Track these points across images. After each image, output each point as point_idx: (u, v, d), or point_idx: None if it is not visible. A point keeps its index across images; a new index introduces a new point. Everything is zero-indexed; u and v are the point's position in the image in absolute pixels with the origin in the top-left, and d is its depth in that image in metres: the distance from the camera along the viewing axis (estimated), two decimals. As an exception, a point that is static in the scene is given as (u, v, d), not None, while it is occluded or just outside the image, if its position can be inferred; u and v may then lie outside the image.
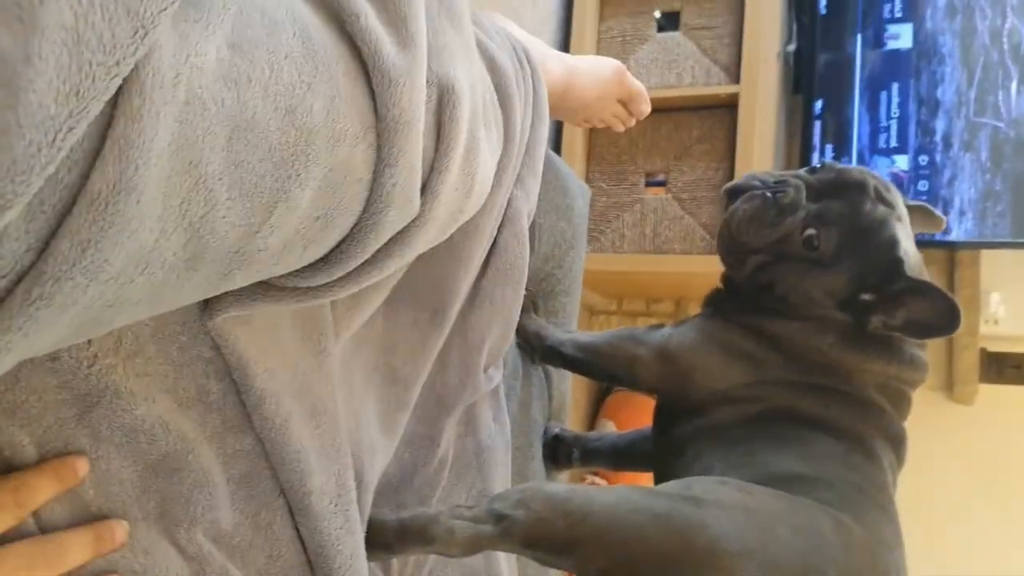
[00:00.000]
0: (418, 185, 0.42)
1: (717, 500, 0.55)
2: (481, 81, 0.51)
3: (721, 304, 0.74)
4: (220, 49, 0.31)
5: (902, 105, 1.57)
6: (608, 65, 0.90)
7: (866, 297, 0.65)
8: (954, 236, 1.52)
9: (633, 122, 0.96)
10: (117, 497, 0.40)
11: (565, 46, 1.67)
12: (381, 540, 0.55)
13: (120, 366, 0.40)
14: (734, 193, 0.71)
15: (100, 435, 0.39)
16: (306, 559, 0.50)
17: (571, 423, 0.93)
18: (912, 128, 1.56)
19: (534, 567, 0.74)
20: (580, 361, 0.78)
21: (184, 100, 0.29)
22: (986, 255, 1.65)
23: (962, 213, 1.52)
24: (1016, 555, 1.63)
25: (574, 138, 1.60)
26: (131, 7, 0.25)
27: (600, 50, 1.66)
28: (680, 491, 0.56)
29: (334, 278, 0.43)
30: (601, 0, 1.68)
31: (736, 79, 1.52)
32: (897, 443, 0.67)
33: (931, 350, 0.69)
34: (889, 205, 0.67)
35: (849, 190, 0.67)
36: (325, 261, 0.42)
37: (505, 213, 0.65)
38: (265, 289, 0.44)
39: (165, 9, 0.27)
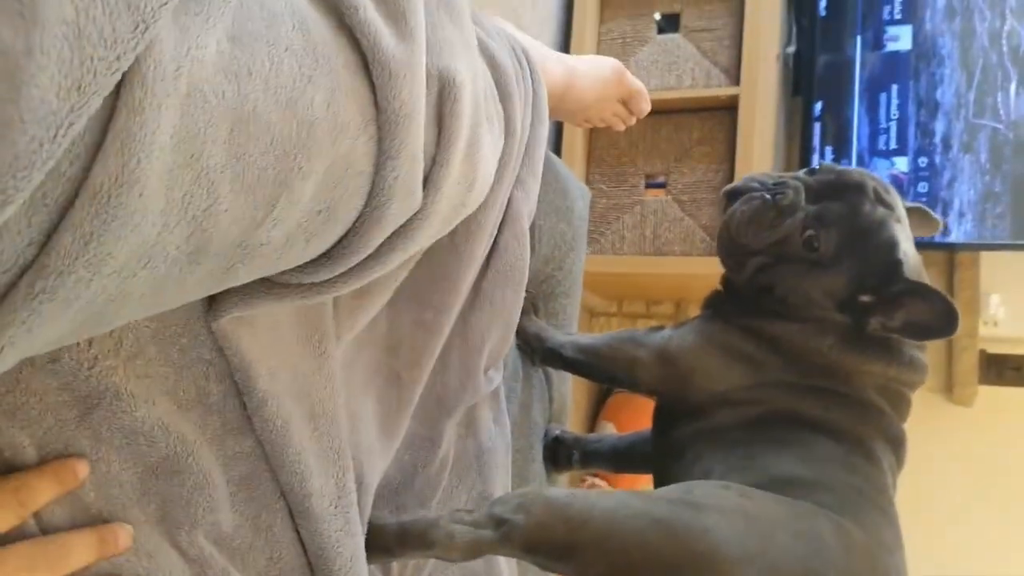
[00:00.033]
0: (420, 178, 0.42)
1: (717, 505, 0.55)
2: (482, 76, 0.51)
3: (720, 306, 0.75)
4: (220, 42, 0.31)
5: (901, 107, 1.57)
6: (607, 64, 0.90)
7: (865, 298, 0.65)
8: (954, 238, 1.52)
9: (634, 121, 0.96)
10: (117, 500, 0.40)
11: (565, 48, 1.67)
12: (381, 544, 0.55)
13: (121, 368, 0.40)
14: (733, 195, 0.71)
15: (100, 437, 0.39)
16: (306, 561, 0.50)
17: (571, 425, 0.93)
18: (912, 130, 1.57)
19: (535, 571, 0.74)
20: (580, 363, 0.78)
21: (185, 93, 0.29)
22: (986, 257, 1.65)
23: (961, 215, 1.52)
24: (1016, 556, 1.63)
25: (574, 140, 1.60)
26: (132, 1, 0.25)
27: (600, 52, 1.66)
28: (681, 496, 0.56)
29: (337, 273, 0.43)
30: (601, 2, 1.68)
31: (736, 81, 1.53)
32: (897, 445, 0.67)
33: (931, 352, 0.70)
34: (888, 206, 0.67)
35: (848, 191, 0.67)
36: (328, 256, 0.42)
37: (506, 214, 0.65)
38: (268, 287, 0.44)
39: (166, 3, 0.27)
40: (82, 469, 0.38)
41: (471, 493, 0.66)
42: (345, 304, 0.52)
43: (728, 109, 1.53)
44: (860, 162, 1.59)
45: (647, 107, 0.94)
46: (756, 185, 0.70)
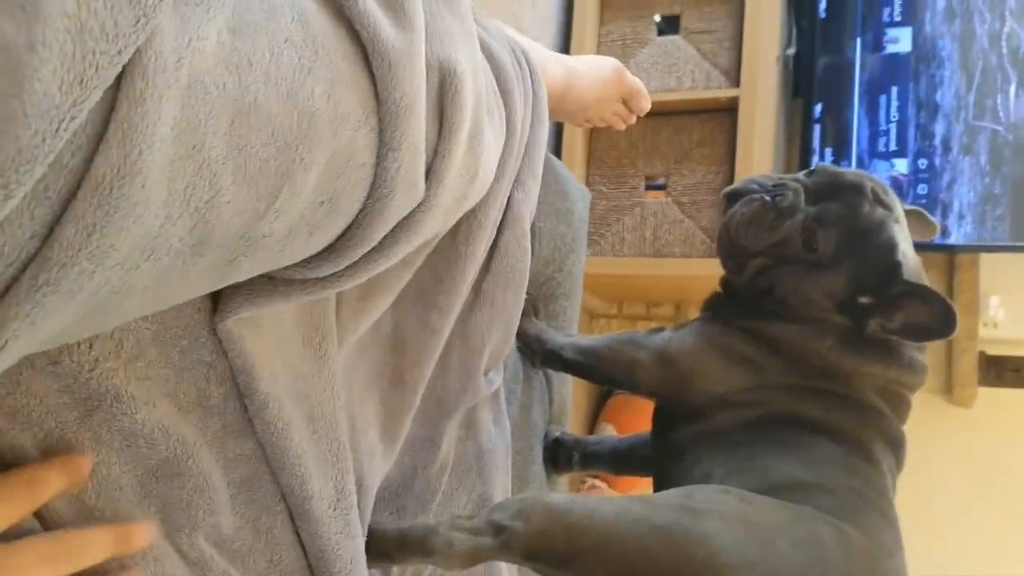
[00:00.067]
0: (422, 169, 0.42)
1: (718, 511, 0.55)
2: (483, 69, 0.50)
3: (720, 308, 0.75)
4: (221, 33, 0.31)
5: (901, 109, 1.58)
6: (607, 64, 0.90)
7: (864, 300, 0.65)
8: (953, 239, 1.52)
9: (634, 120, 0.96)
10: (118, 502, 0.40)
11: (565, 50, 1.67)
12: (382, 549, 0.55)
13: (121, 370, 0.40)
14: (733, 197, 0.71)
15: (101, 439, 0.39)
16: (307, 563, 0.50)
17: (571, 426, 0.93)
18: (911, 132, 1.57)
19: None
20: (580, 365, 0.78)
21: (186, 84, 0.29)
22: (985, 258, 1.65)
23: (961, 217, 1.52)
24: (1015, 557, 1.63)
25: (574, 141, 1.61)
26: None
27: (600, 54, 1.66)
28: (681, 501, 0.56)
29: (341, 267, 0.43)
30: (601, 4, 1.68)
31: (736, 83, 1.53)
32: (896, 447, 0.67)
33: (930, 353, 0.70)
34: (887, 207, 0.67)
35: (847, 192, 0.67)
36: (331, 250, 0.42)
37: (506, 215, 0.65)
38: (273, 284, 0.44)
39: None
40: (85, 465, 0.38)
41: (471, 495, 0.66)
42: (349, 306, 0.52)
43: (728, 111, 1.53)
44: (860, 164, 1.59)
45: (647, 105, 0.94)
46: (756, 187, 0.70)
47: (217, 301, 0.44)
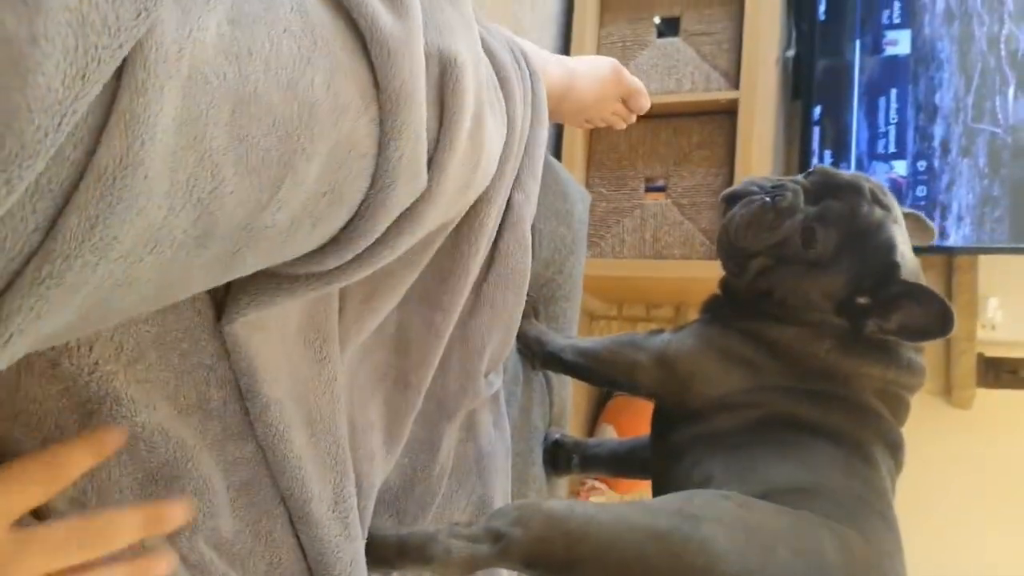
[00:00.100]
0: (424, 158, 0.42)
1: (717, 518, 0.55)
2: (484, 62, 0.50)
3: (719, 310, 0.75)
4: (220, 24, 0.31)
5: (900, 111, 1.58)
6: (605, 64, 0.90)
7: (862, 300, 0.65)
8: (952, 241, 1.52)
9: (634, 119, 0.96)
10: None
11: (565, 51, 1.67)
12: (381, 556, 0.55)
13: (121, 373, 0.40)
14: (732, 199, 0.71)
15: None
16: (306, 566, 0.50)
17: (571, 427, 0.93)
18: (910, 134, 1.57)
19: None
20: (580, 367, 0.78)
21: (187, 75, 0.29)
22: (984, 260, 1.65)
23: (960, 218, 1.53)
24: (1015, 558, 1.63)
25: (574, 143, 1.61)
26: None
27: (600, 55, 1.66)
28: (680, 508, 0.56)
29: (346, 260, 0.43)
30: (601, 6, 1.69)
31: (735, 85, 1.53)
32: (895, 448, 0.67)
33: (929, 354, 0.70)
34: (885, 208, 0.67)
35: (846, 193, 0.67)
36: (335, 242, 0.42)
37: (507, 217, 0.65)
38: (278, 281, 0.44)
39: None
40: (118, 438, 0.37)
41: (471, 498, 0.66)
42: (353, 308, 0.52)
43: (728, 113, 1.53)
44: (859, 166, 1.60)
45: (647, 104, 0.94)
46: (755, 188, 0.70)
47: (219, 304, 0.44)
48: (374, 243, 0.43)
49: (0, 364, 0.28)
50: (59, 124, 0.25)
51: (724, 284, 0.76)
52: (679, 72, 1.59)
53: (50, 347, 0.37)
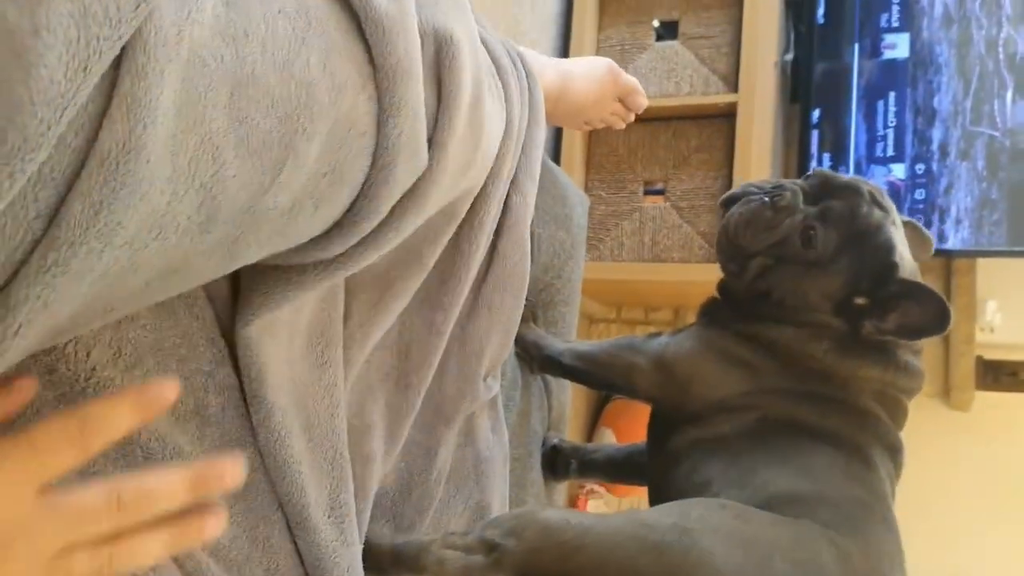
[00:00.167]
0: (424, 136, 0.42)
1: (714, 530, 0.54)
2: (480, 48, 0.50)
3: (717, 313, 0.75)
4: (216, 6, 0.31)
5: (899, 114, 1.58)
6: (601, 64, 0.91)
7: (860, 301, 0.65)
8: (950, 244, 1.52)
9: (632, 118, 0.96)
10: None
11: (564, 54, 1.67)
12: (375, 564, 0.55)
13: (118, 378, 0.40)
14: (731, 202, 0.72)
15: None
16: (304, 572, 0.49)
17: (570, 431, 0.93)
18: (909, 137, 1.57)
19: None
20: (578, 370, 0.78)
21: (186, 58, 0.29)
22: (982, 263, 1.65)
23: (958, 222, 1.53)
24: (1014, 560, 1.63)
25: (573, 147, 1.61)
26: None
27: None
28: (677, 520, 0.55)
29: (351, 244, 0.43)
30: (600, 9, 1.69)
31: (734, 88, 1.53)
32: (895, 452, 0.67)
33: (928, 357, 0.70)
34: (884, 210, 0.68)
35: (845, 193, 0.67)
36: (339, 226, 0.42)
37: (505, 220, 0.65)
38: (288, 276, 0.44)
39: None
40: (169, 392, 0.33)
41: (468, 503, 0.66)
42: (360, 312, 0.52)
43: (726, 116, 1.53)
44: (857, 169, 1.60)
45: (644, 102, 0.94)
46: (754, 189, 0.71)
47: (219, 310, 0.44)
48: (379, 225, 0.43)
49: (11, 356, 0.28)
50: (60, 117, 0.25)
51: (722, 287, 0.76)
52: (678, 75, 1.59)
53: (47, 352, 0.37)
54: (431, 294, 0.59)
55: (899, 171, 1.57)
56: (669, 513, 0.57)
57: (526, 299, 0.69)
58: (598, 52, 1.67)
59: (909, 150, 1.57)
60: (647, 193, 1.58)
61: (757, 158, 1.47)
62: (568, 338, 0.87)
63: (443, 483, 0.64)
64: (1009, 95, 1.51)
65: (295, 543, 0.49)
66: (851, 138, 1.60)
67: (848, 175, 0.71)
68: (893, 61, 1.60)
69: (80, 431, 0.30)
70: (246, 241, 0.36)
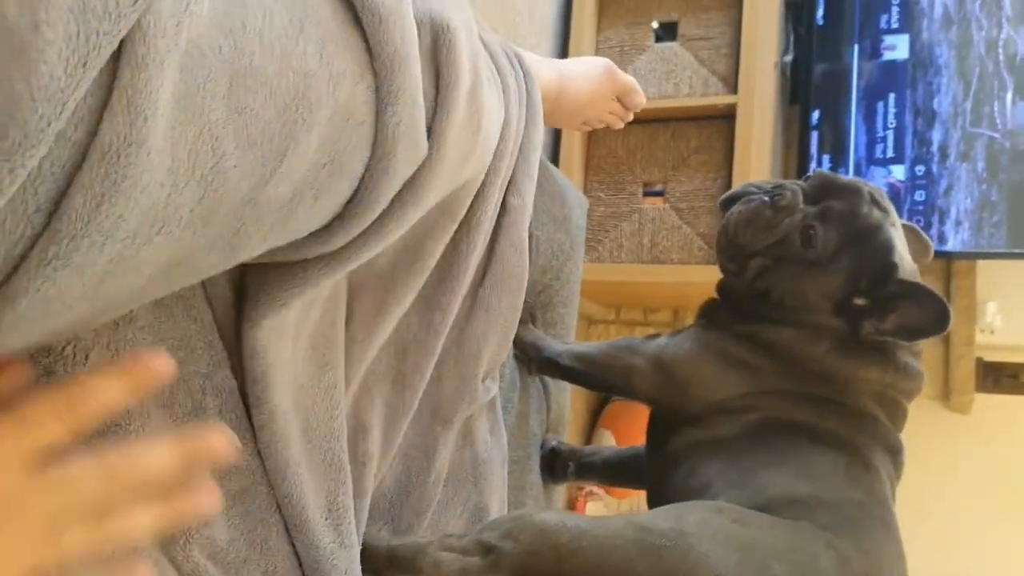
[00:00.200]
0: (423, 124, 0.42)
1: (711, 534, 0.54)
2: (478, 39, 0.50)
3: (716, 314, 0.75)
4: None
5: (898, 115, 1.58)
6: (598, 63, 0.91)
7: (859, 301, 0.65)
8: (950, 246, 1.52)
9: (631, 116, 0.96)
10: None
11: (563, 56, 1.68)
12: (371, 566, 0.55)
13: (116, 381, 0.39)
14: (731, 202, 0.72)
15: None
16: (301, 575, 0.49)
17: (569, 433, 0.93)
18: (908, 138, 1.57)
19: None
20: (577, 372, 0.78)
21: (185, 49, 0.29)
22: (982, 265, 1.65)
23: (958, 223, 1.53)
24: (1014, 562, 1.62)
25: (572, 148, 1.61)
26: None
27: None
28: (673, 524, 0.55)
29: (353, 235, 0.43)
30: (599, 10, 1.69)
31: (734, 89, 1.53)
32: (895, 453, 0.67)
33: (928, 359, 0.70)
34: (884, 211, 0.68)
35: (846, 193, 0.67)
36: (341, 218, 0.42)
37: (503, 220, 0.65)
38: (292, 272, 0.44)
39: None
40: (160, 364, 0.31)
41: (467, 505, 0.66)
42: (364, 313, 0.52)
43: (726, 117, 1.53)
44: (857, 170, 1.60)
45: (642, 100, 0.95)
46: (754, 189, 0.71)
47: (244, 308, 0.44)
48: (380, 216, 0.43)
49: (12, 343, 0.28)
50: (60, 113, 0.25)
51: (721, 287, 0.76)
52: (677, 77, 1.59)
53: (45, 354, 0.37)
54: (429, 294, 0.59)
55: (899, 172, 1.57)
56: (667, 516, 0.57)
57: (524, 300, 0.69)
58: (597, 54, 1.67)
59: (909, 151, 1.57)
60: (646, 194, 1.58)
61: (756, 159, 1.47)
62: (567, 340, 0.87)
63: (441, 485, 0.63)
64: (1009, 96, 1.51)
65: (293, 545, 0.49)
66: (851, 139, 1.60)
67: (848, 177, 0.71)
68: (893, 62, 1.60)
69: (68, 405, 0.30)
70: (248, 234, 0.36)
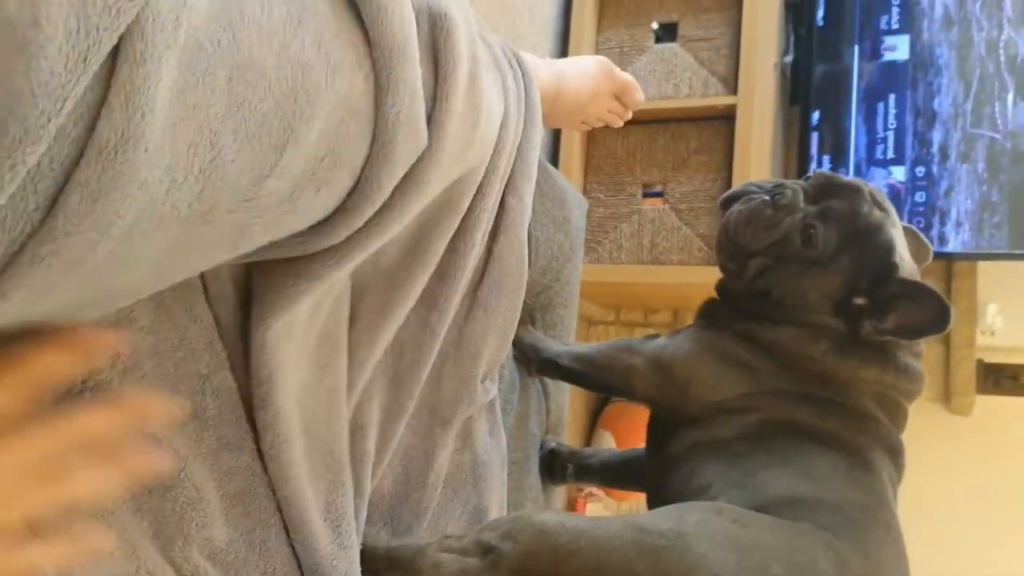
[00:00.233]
0: (422, 114, 0.42)
1: (710, 535, 0.54)
2: (476, 30, 0.50)
3: (715, 314, 0.75)
4: None
5: (899, 116, 1.58)
6: (595, 62, 0.91)
7: (859, 301, 0.65)
8: (951, 247, 1.52)
9: (630, 114, 0.96)
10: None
11: (563, 56, 1.67)
12: (370, 568, 0.55)
13: (116, 381, 0.39)
14: (731, 201, 0.71)
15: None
16: (301, 576, 0.49)
17: (569, 434, 0.93)
18: (909, 139, 1.57)
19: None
20: (576, 372, 0.78)
21: (183, 43, 0.29)
22: (983, 266, 1.65)
23: (959, 224, 1.52)
24: (1014, 564, 1.62)
25: (571, 149, 1.61)
26: None
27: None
28: (672, 525, 0.55)
29: (355, 228, 0.43)
30: (599, 11, 1.69)
31: (733, 90, 1.53)
32: (895, 454, 0.66)
33: (928, 361, 0.70)
34: (884, 211, 0.67)
35: (846, 193, 0.67)
36: (343, 210, 0.41)
37: (501, 220, 0.65)
38: (297, 269, 0.44)
39: None
40: (105, 340, 0.31)
41: (466, 507, 0.66)
42: (368, 314, 0.52)
43: (726, 118, 1.53)
44: (857, 171, 1.60)
45: (640, 98, 0.94)
46: (755, 188, 0.70)
47: (254, 311, 0.44)
48: (381, 208, 0.43)
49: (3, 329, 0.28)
50: (60, 108, 0.25)
51: (721, 287, 0.76)
52: (677, 77, 1.59)
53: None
54: (427, 293, 0.59)
55: (899, 173, 1.57)
56: (666, 517, 0.57)
57: (524, 301, 0.69)
58: (597, 54, 1.67)
59: (909, 152, 1.57)
60: (646, 195, 1.58)
61: (756, 160, 1.47)
62: (566, 341, 0.87)
63: (440, 487, 0.63)
64: (1010, 97, 1.51)
65: (292, 547, 0.49)
66: (851, 140, 1.60)
67: (848, 177, 0.71)
68: (893, 63, 1.60)
69: (11, 374, 0.30)
70: (249, 227, 0.36)
